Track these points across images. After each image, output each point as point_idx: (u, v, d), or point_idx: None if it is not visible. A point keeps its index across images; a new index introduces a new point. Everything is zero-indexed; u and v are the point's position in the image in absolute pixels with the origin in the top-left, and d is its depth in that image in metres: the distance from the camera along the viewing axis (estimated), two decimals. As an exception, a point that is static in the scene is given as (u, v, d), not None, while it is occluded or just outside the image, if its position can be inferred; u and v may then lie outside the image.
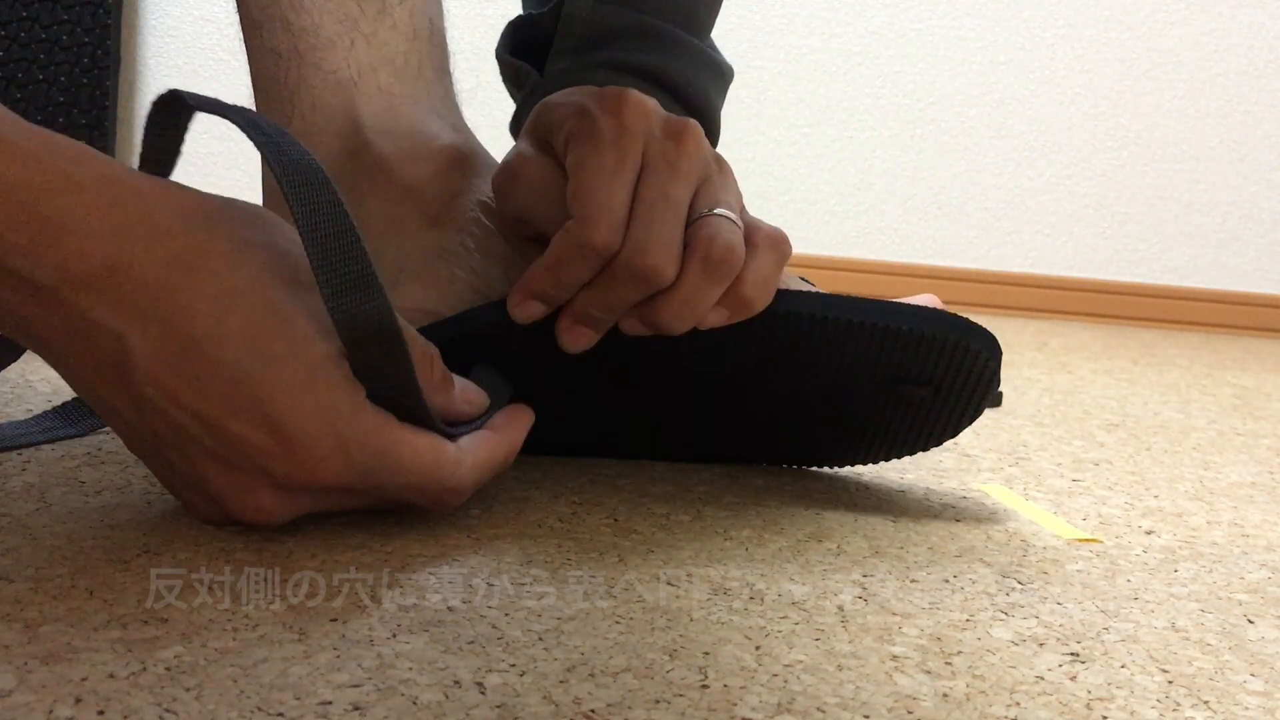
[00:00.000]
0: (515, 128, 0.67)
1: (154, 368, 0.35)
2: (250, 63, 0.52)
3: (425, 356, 0.40)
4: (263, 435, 0.36)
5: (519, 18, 0.67)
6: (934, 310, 0.46)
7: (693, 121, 0.44)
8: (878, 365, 0.46)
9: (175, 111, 0.41)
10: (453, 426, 0.41)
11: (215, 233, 0.36)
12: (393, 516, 0.43)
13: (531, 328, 0.45)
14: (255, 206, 0.39)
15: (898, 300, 0.49)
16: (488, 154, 0.53)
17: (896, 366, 0.46)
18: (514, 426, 0.43)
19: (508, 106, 0.68)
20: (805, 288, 0.49)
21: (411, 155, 0.50)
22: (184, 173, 0.41)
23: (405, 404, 0.38)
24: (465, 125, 0.54)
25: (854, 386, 0.47)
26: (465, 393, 0.42)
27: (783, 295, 0.45)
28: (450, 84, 0.55)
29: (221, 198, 0.38)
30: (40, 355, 0.37)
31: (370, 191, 0.50)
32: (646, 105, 0.44)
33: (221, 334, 0.35)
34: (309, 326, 0.36)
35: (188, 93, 0.40)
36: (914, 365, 0.46)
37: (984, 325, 0.47)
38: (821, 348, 0.46)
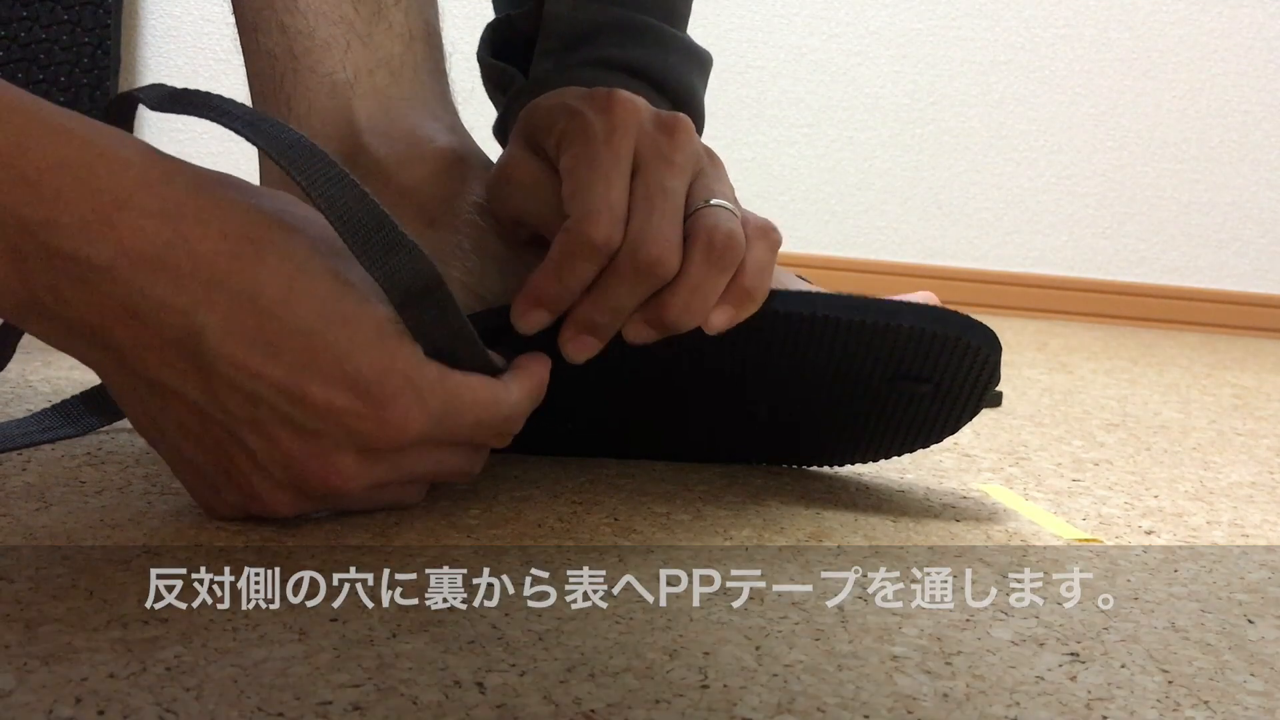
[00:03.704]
0: (500, 132, 0.67)
1: (227, 341, 0.35)
2: (247, 65, 0.52)
3: None
4: (347, 396, 0.36)
5: (497, 20, 0.67)
6: (933, 307, 0.46)
7: (683, 115, 0.44)
8: (878, 363, 0.46)
9: (126, 111, 0.41)
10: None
11: (265, 208, 0.36)
12: (393, 517, 0.43)
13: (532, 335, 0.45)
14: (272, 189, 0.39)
15: (896, 298, 0.49)
16: (485, 155, 0.53)
17: (897, 363, 0.46)
18: (538, 362, 0.44)
19: (507, 106, 0.68)
20: (804, 286, 0.49)
21: (408, 157, 0.50)
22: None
23: (460, 350, 0.39)
24: (462, 127, 0.54)
25: (854, 384, 0.47)
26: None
27: (784, 296, 0.45)
28: (447, 85, 0.55)
29: (240, 179, 0.38)
30: (70, 349, 0.36)
31: (372, 187, 0.50)
32: (636, 102, 0.44)
33: (291, 299, 0.35)
34: (367, 289, 0.37)
35: (146, 94, 0.39)
36: (914, 362, 0.46)
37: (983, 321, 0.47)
38: (822, 347, 0.46)
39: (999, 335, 0.47)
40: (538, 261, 0.44)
